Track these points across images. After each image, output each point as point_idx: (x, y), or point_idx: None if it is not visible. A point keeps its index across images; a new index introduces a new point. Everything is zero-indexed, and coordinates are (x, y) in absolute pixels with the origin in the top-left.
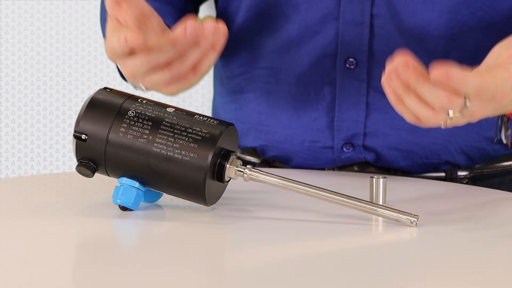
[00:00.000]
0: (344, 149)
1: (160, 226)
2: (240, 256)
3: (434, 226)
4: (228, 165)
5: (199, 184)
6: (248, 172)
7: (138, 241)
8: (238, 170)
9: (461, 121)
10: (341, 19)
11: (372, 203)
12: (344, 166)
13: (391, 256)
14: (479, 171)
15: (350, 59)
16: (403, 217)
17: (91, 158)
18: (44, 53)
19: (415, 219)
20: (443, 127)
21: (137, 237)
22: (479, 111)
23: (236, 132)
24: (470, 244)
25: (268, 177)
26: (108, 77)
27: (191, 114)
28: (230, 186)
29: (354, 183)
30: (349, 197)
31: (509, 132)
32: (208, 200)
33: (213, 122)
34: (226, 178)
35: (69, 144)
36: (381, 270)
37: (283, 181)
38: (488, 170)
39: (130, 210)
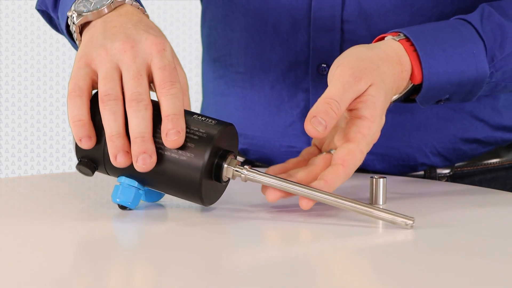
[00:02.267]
0: None
1: (160, 226)
2: (240, 256)
3: (435, 226)
4: (225, 165)
5: (196, 183)
6: (246, 173)
7: (138, 241)
8: (235, 170)
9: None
10: (312, 25)
11: (368, 204)
12: None
13: (389, 257)
14: (459, 169)
15: (323, 65)
16: (398, 219)
17: (90, 157)
18: (44, 53)
19: (411, 221)
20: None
21: (137, 237)
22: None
23: (235, 132)
24: (469, 245)
25: (266, 178)
26: None
27: (190, 113)
28: (230, 186)
29: (354, 183)
30: (345, 199)
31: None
32: (205, 200)
33: (211, 122)
34: (224, 179)
35: (69, 144)
36: (379, 270)
37: (280, 182)
38: (469, 168)
39: (130, 209)
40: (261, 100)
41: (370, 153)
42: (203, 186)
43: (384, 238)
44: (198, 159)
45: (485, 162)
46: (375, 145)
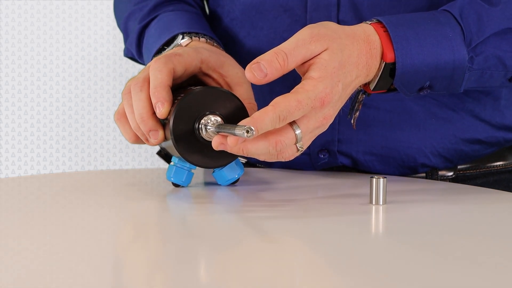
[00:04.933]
0: (320, 156)
1: (160, 222)
2: (239, 255)
3: (436, 227)
4: (200, 125)
5: (174, 144)
6: (208, 127)
7: (135, 238)
8: (205, 126)
9: (313, 136)
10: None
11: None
12: (324, 169)
13: (389, 258)
14: (461, 172)
15: None
16: (237, 131)
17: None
18: (44, 53)
19: (249, 128)
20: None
21: (133, 234)
22: (317, 123)
23: (225, 93)
24: (469, 247)
25: (229, 129)
26: (108, 77)
27: (191, 85)
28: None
29: (354, 183)
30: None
31: (357, 114)
32: (194, 161)
33: (195, 88)
34: (204, 137)
35: (69, 144)
36: (378, 271)
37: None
38: (471, 171)
39: (182, 186)
40: (260, 101)
41: (369, 154)
42: (187, 147)
43: (384, 238)
44: (170, 120)
45: (489, 164)
46: (373, 146)
